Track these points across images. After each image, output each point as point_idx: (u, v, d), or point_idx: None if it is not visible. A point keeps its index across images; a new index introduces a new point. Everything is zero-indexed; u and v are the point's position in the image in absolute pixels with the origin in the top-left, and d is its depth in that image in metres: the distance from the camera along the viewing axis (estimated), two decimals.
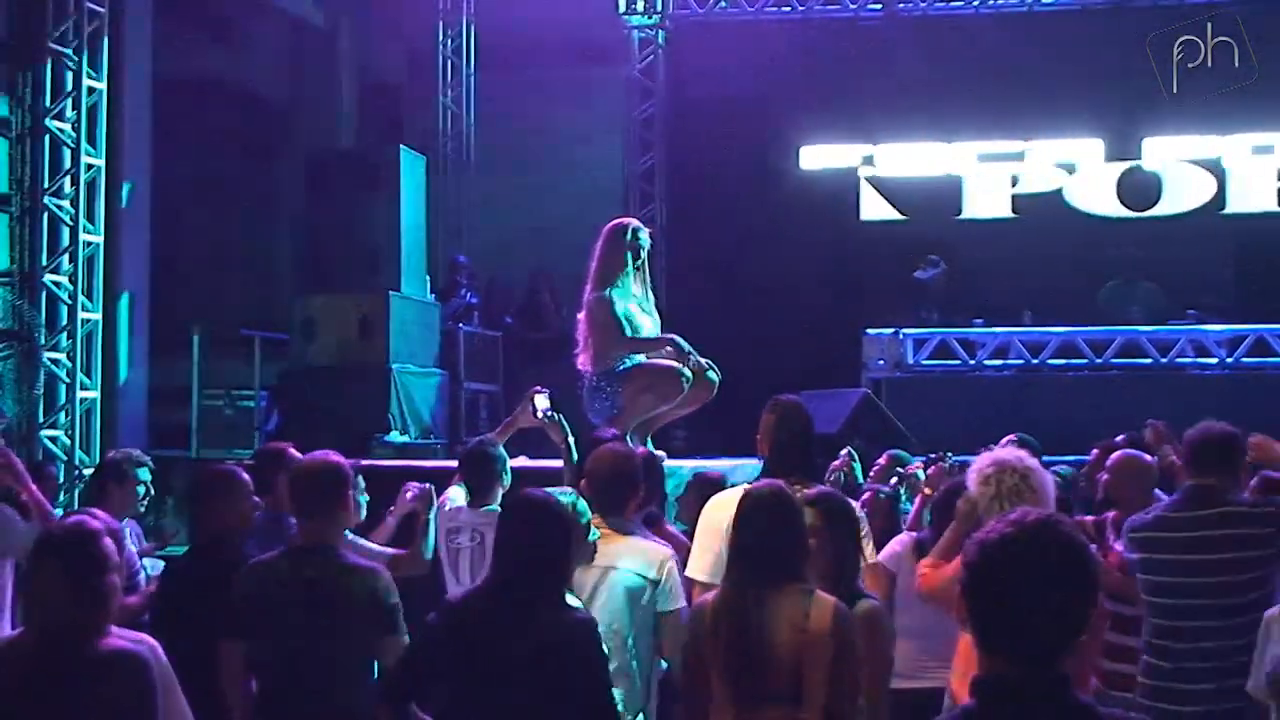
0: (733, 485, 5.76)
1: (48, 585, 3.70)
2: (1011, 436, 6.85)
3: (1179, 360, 12.38)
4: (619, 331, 7.85)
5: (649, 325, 8.03)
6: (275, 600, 4.56)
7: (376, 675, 4.57)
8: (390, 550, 5.76)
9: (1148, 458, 6.08)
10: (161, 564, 6.59)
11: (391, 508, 6.17)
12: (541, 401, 6.54)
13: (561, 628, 4.02)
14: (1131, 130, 14.97)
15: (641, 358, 7.89)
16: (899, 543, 5.78)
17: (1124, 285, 13.24)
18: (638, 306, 7.98)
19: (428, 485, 6.34)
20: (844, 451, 7.00)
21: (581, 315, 7.98)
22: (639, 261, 8.03)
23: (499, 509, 4.77)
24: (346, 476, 4.77)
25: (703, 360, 7.93)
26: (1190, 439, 5.31)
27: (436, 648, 4.14)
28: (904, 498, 6.80)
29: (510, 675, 3.98)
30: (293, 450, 5.87)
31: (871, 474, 7.17)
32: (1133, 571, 5.23)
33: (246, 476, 5.39)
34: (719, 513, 5.08)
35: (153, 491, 6.60)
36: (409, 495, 6.06)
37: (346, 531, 5.30)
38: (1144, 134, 14.93)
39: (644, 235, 8.12)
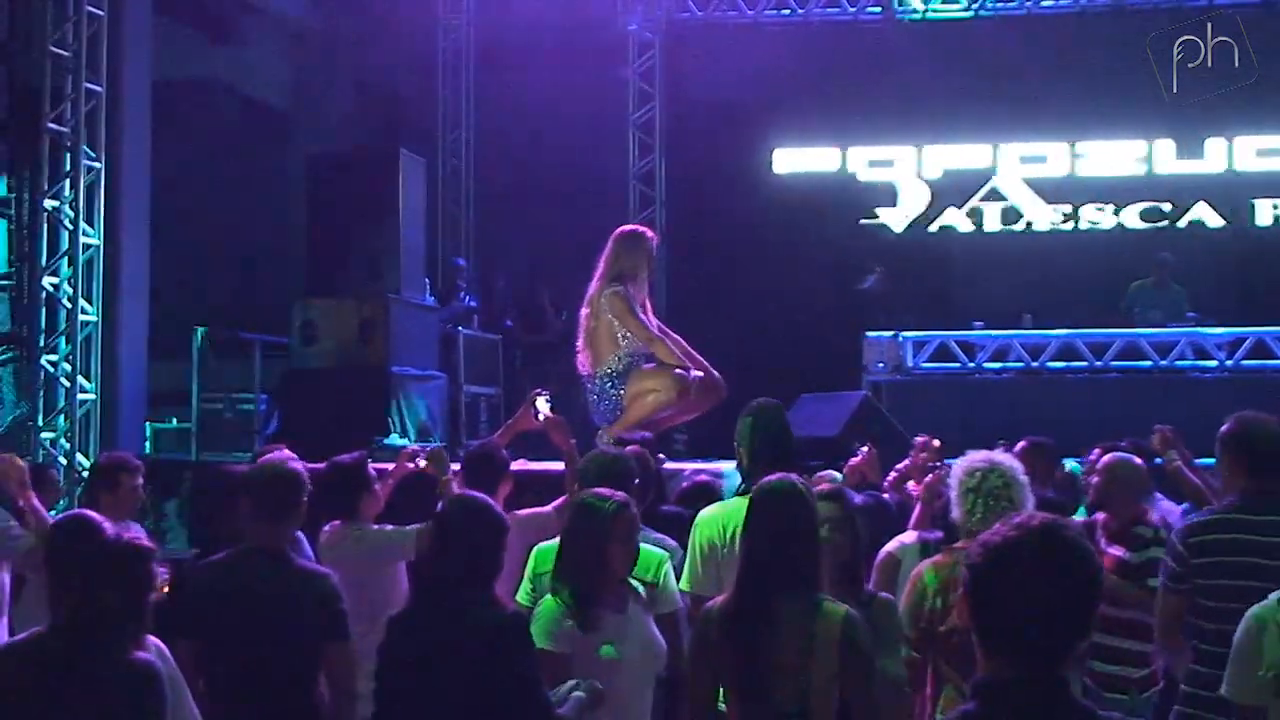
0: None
1: (100, 593, 3.70)
2: (1024, 442, 6.80)
3: (1178, 363, 12.35)
4: (642, 323, 7.84)
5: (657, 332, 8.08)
6: (221, 601, 4.58)
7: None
8: (415, 526, 5.79)
9: (1138, 460, 6.06)
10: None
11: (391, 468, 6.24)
12: (543, 404, 6.56)
13: (491, 626, 4.08)
14: (1137, 132, 15.02)
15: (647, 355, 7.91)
16: (907, 536, 5.78)
17: (1152, 287, 13.17)
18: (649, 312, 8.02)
19: (438, 445, 6.39)
20: (864, 448, 6.93)
21: (584, 311, 7.95)
22: (649, 269, 8.05)
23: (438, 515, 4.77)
24: (301, 483, 4.78)
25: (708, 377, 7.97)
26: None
27: (388, 664, 4.21)
28: None
29: (443, 676, 4.04)
30: (290, 454, 5.88)
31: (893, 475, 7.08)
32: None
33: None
34: (710, 529, 5.12)
35: (143, 496, 6.60)
36: (417, 462, 6.12)
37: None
38: (1150, 137, 14.99)
39: (654, 244, 8.16)
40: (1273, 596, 3.82)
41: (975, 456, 4.71)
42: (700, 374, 8.02)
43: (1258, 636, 3.80)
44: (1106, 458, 6.00)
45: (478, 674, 4.01)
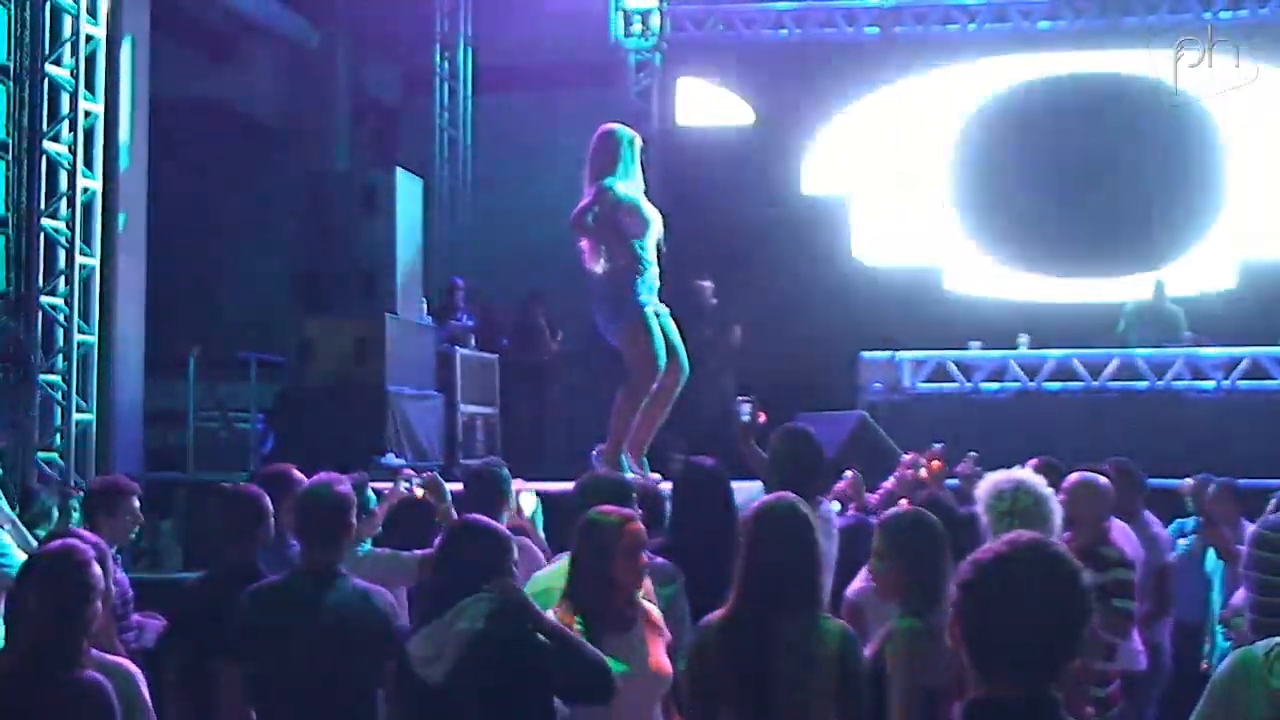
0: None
1: (28, 608, 3.74)
2: (1035, 461, 6.74)
3: (1174, 383, 12.35)
4: (635, 210, 7.92)
5: (657, 216, 8.35)
6: (282, 625, 4.56)
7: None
8: (419, 553, 5.76)
9: (1104, 480, 6.04)
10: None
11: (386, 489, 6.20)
12: (404, 485, 6.22)
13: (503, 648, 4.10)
14: None
15: (649, 302, 7.93)
16: (864, 578, 5.15)
17: (1150, 309, 13.15)
18: (644, 199, 8.13)
19: (432, 473, 6.32)
20: (850, 473, 6.91)
21: (582, 204, 8.06)
22: (635, 163, 8.14)
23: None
24: (350, 501, 4.78)
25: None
26: None
27: (403, 686, 4.22)
28: None
29: (463, 695, 4.06)
30: (296, 472, 5.88)
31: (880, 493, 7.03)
32: None
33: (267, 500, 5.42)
34: None
35: (142, 518, 6.58)
36: (408, 487, 6.06)
37: (367, 543, 5.44)
38: None
39: (638, 140, 8.34)
40: (1259, 646, 3.46)
41: (999, 478, 4.68)
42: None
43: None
44: (1071, 478, 6.00)
45: (491, 696, 4.06)
